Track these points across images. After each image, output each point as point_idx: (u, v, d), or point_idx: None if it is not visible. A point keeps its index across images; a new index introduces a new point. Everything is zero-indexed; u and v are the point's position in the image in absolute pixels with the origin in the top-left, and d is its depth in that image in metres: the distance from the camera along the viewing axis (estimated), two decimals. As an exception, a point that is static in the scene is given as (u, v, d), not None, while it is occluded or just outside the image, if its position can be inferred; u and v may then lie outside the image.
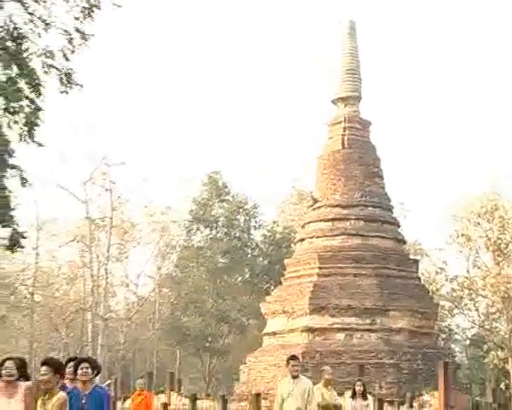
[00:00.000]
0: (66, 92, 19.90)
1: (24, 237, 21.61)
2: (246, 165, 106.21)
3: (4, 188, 19.99)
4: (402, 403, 25.77)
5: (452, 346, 57.80)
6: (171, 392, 35.65)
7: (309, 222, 38.32)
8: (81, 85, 20.09)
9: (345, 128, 38.27)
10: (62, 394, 8.09)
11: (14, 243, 20.87)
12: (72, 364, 9.20)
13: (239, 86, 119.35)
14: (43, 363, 8.34)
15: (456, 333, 59.82)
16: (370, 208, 37.12)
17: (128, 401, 23.15)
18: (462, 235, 45.70)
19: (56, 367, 8.21)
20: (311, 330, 33.55)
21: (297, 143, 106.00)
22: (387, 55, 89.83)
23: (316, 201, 38.27)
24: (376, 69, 74.07)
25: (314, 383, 12.42)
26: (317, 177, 38.98)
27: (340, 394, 14.55)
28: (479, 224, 45.30)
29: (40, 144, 19.82)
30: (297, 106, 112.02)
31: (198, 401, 30.09)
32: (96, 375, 9.36)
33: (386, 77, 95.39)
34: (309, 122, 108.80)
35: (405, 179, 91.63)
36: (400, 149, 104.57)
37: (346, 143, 37.93)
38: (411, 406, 25.69)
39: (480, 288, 46.41)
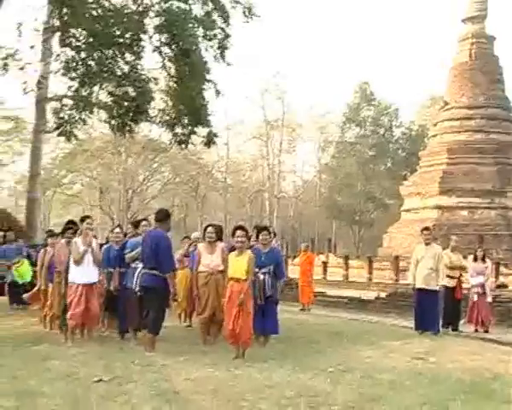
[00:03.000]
0: (248, 22, 20.28)
1: (217, 136, 21.66)
2: (389, 75, 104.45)
3: (203, 98, 19.89)
4: (515, 266, 24.89)
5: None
6: (329, 253, 37.87)
7: (440, 121, 38.00)
8: (259, 16, 20.33)
9: (472, 43, 37.47)
10: (250, 252, 8.40)
11: (210, 140, 20.93)
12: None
13: (383, 7, 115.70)
14: (238, 228, 8.62)
15: None
16: (492, 109, 36.48)
17: (296, 259, 24.00)
18: None
19: (246, 232, 8.51)
20: (440, 207, 33.81)
21: (431, 56, 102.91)
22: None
23: (446, 104, 38.01)
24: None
25: (442, 250, 12.33)
26: (447, 84, 38.57)
27: (464, 257, 13.76)
28: None
29: (229, 63, 20.14)
30: (432, 24, 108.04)
31: (350, 261, 32.11)
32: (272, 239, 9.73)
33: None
34: (441, 39, 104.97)
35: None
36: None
37: (472, 55, 37.24)
38: (523, 268, 24.46)
39: None
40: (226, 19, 19.92)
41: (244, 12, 20.11)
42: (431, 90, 59.24)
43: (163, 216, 8.88)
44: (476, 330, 13.12)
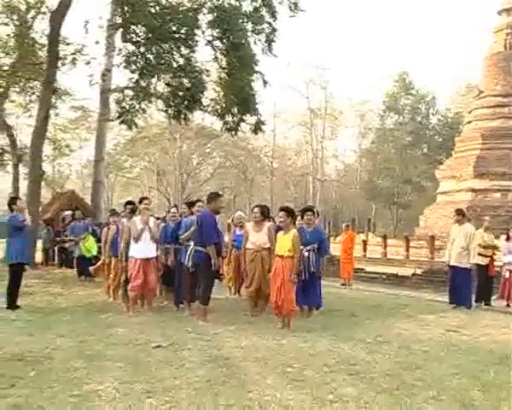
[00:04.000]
0: (294, 16, 19.99)
1: (264, 124, 21.36)
2: (427, 64, 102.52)
3: (252, 88, 19.69)
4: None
5: None
6: (369, 233, 37.72)
7: (475, 108, 37.21)
8: (304, 10, 20.01)
9: (507, 34, 36.00)
10: (295, 230, 8.42)
11: (257, 128, 20.67)
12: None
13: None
14: (281, 210, 8.66)
15: None
16: (525, 97, 35.59)
17: (338, 238, 23.40)
18: None
19: (290, 212, 8.49)
20: (474, 190, 33.12)
21: (467, 46, 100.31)
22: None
23: (481, 92, 37.15)
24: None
25: (476, 230, 12.24)
26: (482, 73, 37.62)
27: (497, 237, 13.76)
28: None
29: (275, 55, 19.79)
30: (466, 16, 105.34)
31: (388, 240, 31.91)
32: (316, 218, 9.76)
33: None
34: (477, 30, 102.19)
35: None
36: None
37: (507, 45, 35.95)
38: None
39: None
40: (273, 14, 19.69)
41: (290, 7, 19.86)
42: (466, 79, 58.14)
43: (209, 197, 9.09)
44: (508, 305, 12.94)
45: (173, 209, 11.08)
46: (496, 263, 13.41)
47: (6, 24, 23.26)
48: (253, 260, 9.36)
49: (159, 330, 7.81)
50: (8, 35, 23.48)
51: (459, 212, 12.17)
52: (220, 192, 10.09)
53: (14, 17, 22.89)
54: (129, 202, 10.85)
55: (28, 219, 9.88)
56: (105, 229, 12.15)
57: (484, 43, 41.63)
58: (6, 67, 24.08)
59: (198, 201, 10.12)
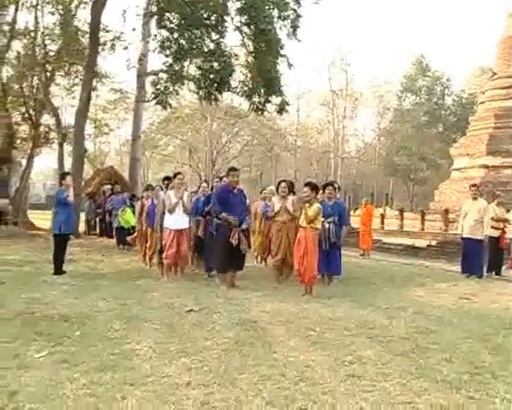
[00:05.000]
0: (317, 3, 19.94)
1: (288, 104, 21.29)
2: (443, 47, 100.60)
3: (277, 71, 19.54)
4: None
5: None
6: (386, 206, 37.36)
7: (488, 89, 36.43)
8: None
9: None
10: (318, 204, 8.38)
11: (282, 108, 20.52)
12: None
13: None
14: (305, 185, 8.61)
15: None
16: (538, 78, 34.79)
17: (357, 211, 23.37)
18: None
19: (313, 187, 8.44)
20: (486, 167, 32.46)
21: (482, 31, 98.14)
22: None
23: (494, 73, 36.35)
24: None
25: (488, 204, 12.29)
26: (496, 56, 36.92)
27: (508, 211, 13.64)
28: None
29: (299, 40, 19.63)
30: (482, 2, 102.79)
31: (404, 213, 31.60)
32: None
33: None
34: (491, 15, 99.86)
35: None
36: None
37: None
38: None
39: None
40: (298, 0, 19.44)
41: (314, -6, 19.61)
42: (481, 61, 56.95)
43: (226, 172, 9.20)
44: (517, 275, 12.84)
45: (204, 184, 11.10)
46: (507, 235, 13.33)
47: (52, 13, 23.61)
48: (280, 231, 9.38)
49: (191, 296, 7.88)
50: (54, 23, 23.81)
51: (474, 187, 12.14)
52: (236, 167, 9.85)
53: (59, 7, 23.12)
54: (166, 178, 10.93)
55: (71, 196, 9.99)
56: (140, 202, 12.26)
57: (499, 26, 40.55)
58: (52, 53, 24.41)
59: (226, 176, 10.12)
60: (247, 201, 9.38)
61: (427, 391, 4.18)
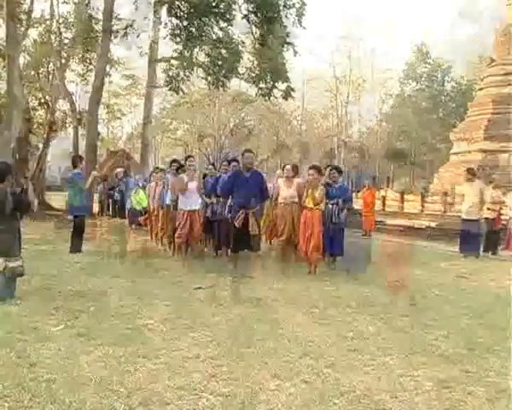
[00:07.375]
0: None
1: (293, 90, 20.94)
2: (442, 35, 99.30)
3: (283, 58, 19.39)
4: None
5: None
6: (387, 189, 37.29)
7: (487, 76, 36.00)
8: None
9: None
10: (322, 186, 8.38)
11: (287, 94, 20.23)
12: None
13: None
14: (310, 168, 8.59)
15: None
16: (536, 66, 34.43)
17: (360, 193, 22.49)
18: None
19: (319, 170, 8.40)
20: (484, 151, 32.20)
21: (483, 19, 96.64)
22: None
23: (493, 60, 35.88)
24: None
25: (485, 187, 12.13)
26: (495, 43, 36.38)
27: (504, 194, 13.64)
28: None
29: (304, 28, 19.40)
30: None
31: (405, 195, 31.49)
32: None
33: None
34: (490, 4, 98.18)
35: None
36: None
37: None
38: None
39: None
40: (303, -10, 19.38)
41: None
42: (480, 49, 56.15)
43: (241, 153, 8.97)
44: (513, 255, 12.81)
45: (210, 166, 11.09)
46: (502, 217, 13.36)
47: (66, 2, 23.54)
48: (284, 213, 9.32)
49: (200, 274, 7.90)
50: (69, 12, 23.77)
51: (470, 171, 12.09)
52: (249, 149, 9.41)
53: (74, -4, 23.03)
54: (174, 161, 10.92)
55: (88, 182, 10.08)
56: (150, 184, 12.24)
57: (498, 15, 39.94)
58: (67, 41, 24.42)
59: (234, 160, 9.90)
60: (267, 184, 9.00)
61: (425, 365, 4.21)
